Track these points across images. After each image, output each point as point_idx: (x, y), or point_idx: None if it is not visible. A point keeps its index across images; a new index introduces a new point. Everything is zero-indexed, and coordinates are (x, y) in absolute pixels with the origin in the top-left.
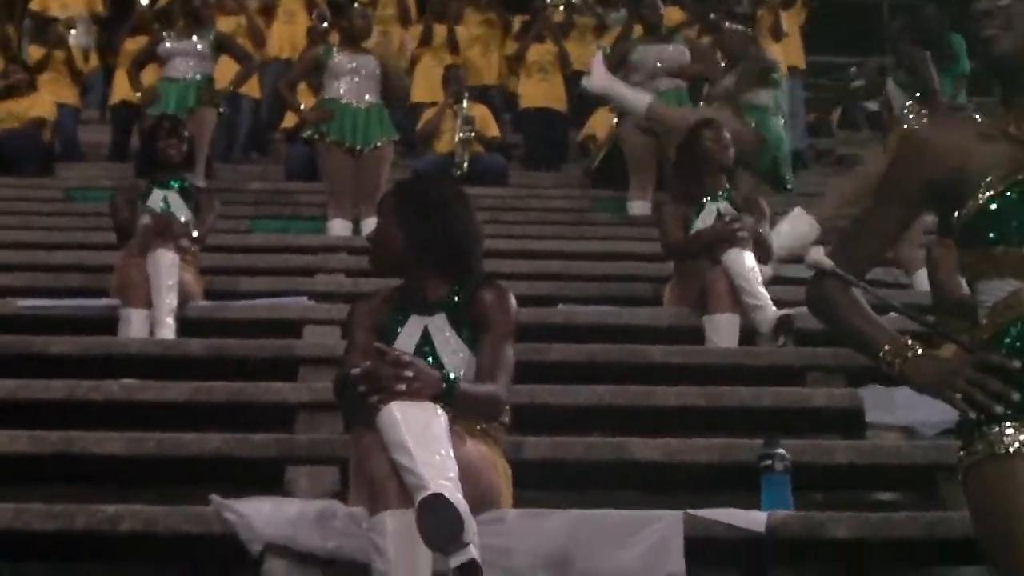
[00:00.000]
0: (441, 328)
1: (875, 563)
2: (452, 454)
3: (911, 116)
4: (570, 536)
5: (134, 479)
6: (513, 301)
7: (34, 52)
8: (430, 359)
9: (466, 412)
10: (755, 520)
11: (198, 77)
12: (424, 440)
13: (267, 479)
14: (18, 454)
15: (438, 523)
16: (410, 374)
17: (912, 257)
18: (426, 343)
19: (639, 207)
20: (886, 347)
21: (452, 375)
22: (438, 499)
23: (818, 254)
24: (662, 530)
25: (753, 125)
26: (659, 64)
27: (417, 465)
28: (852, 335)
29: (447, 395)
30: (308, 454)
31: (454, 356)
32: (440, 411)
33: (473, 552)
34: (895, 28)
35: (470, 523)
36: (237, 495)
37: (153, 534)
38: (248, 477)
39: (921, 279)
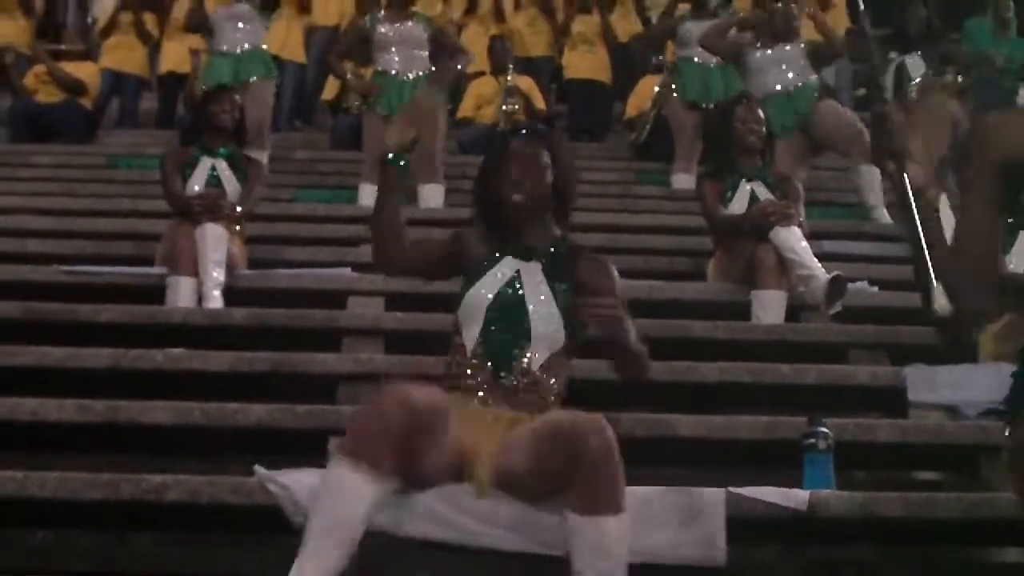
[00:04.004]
0: (534, 275)
1: (917, 543)
2: None
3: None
4: None
5: (179, 449)
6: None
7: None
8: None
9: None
10: (797, 498)
11: (248, 47)
12: None
13: (310, 450)
14: (65, 422)
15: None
16: None
17: None
18: (513, 286)
19: (684, 180)
20: None
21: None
22: None
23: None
24: (704, 507)
25: None
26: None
27: None
28: None
29: None
30: None
31: (541, 305)
32: None
33: None
34: None
35: None
36: (280, 466)
37: (197, 504)
38: (291, 448)
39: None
